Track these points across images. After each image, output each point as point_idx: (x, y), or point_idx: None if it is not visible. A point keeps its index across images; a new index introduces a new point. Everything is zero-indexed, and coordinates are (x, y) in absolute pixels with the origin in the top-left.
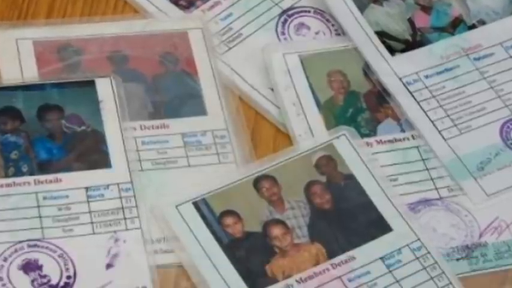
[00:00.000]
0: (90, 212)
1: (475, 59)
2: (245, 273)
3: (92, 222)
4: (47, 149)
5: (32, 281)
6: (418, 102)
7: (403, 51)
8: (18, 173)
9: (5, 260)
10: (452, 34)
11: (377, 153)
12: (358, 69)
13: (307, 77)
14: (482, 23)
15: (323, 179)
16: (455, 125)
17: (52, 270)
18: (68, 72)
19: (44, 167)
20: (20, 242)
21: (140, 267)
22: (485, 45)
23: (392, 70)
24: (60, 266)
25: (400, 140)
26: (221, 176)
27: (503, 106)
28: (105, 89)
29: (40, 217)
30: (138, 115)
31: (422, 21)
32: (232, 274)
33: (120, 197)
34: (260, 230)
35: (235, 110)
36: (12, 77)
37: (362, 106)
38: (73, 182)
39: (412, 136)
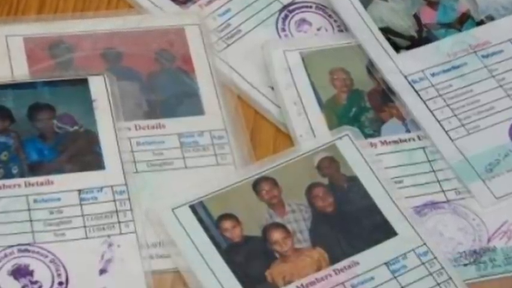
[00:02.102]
0: (82, 215)
1: (483, 56)
2: (244, 279)
3: (84, 226)
4: (38, 150)
5: (23, 287)
6: (424, 101)
7: (408, 48)
8: (8, 174)
9: None
10: (460, 30)
11: (381, 154)
12: (361, 66)
13: (308, 75)
14: (491, 19)
15: (325, 181)
16: (463, 125)
17: (43, 276)
18: (60, 70)
19: (34, 169)
20: (10, 246)
21: (135, 272)
22: (493, 42)
23: (397, 68)
24: (51, 271)
25: (405, 140)
26: (219, 178)
27: None
28: (99, 87)
29: (31, 221)
30: (132, 115)
31: (429, 17)
32: (230, 280)
33: (114, 200)
34: (260, 234)
35: (233, 109)
36: (1, 75)
37: (366, 105)
38: (65, 184)
39: (418, 137)
